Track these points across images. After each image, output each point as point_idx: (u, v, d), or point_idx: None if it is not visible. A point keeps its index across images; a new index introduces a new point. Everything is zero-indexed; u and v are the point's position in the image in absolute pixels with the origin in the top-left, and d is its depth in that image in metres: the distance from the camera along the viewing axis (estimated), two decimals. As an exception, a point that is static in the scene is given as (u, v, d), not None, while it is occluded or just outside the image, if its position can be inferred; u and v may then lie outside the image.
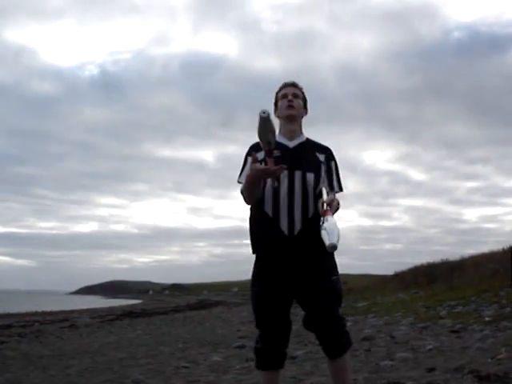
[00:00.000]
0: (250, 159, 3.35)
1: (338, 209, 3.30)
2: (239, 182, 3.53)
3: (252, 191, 3.36)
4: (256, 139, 3.31)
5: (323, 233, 2.93)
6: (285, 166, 3.20)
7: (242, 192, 3.44)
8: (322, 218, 3.04)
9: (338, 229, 2.94)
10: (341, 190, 3.53)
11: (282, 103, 3.52)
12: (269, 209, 3.36)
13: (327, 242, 2.88)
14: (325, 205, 3.10)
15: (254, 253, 3.49)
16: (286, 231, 3.32)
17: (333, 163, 3.52)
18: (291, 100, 3.49)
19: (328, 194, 3.26)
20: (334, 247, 2.89)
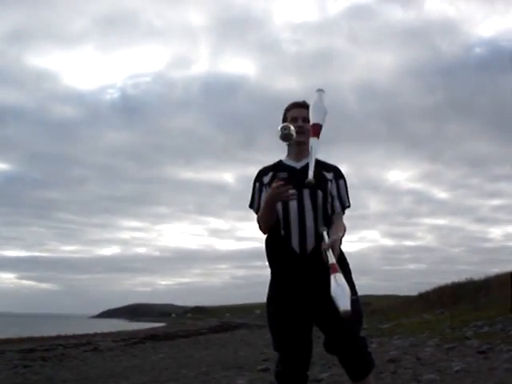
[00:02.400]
0: (257, 185, 3.51)
1: (343, 234, 3.32)
2: (251, 208, 3.57)
3: (268, 216, 3.37)
4: (265, 163, 3.40)
5: (334, 296, 2.87)
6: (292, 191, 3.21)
7: (258, 221, 3.46)
8: (331, 276, 2.94)
9: (347, 289, 2.88)
10: (349, 206, 3.50)
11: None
12: (280, 228, 3.35)
13: (341, 307, 2.81)
14: (329, 256, 3.04)
15: (271, 273, 3.47)
16: (297, 249, 3.29)
17: (341, 181, 3.50)
18: (301, 126, 3.46)
19: (329, 236, 3.20)
20: (348, 313, 2.81)
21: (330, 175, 3.47)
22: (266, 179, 3.48)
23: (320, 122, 3.32)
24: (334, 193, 3.44)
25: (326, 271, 3.23)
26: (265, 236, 3.49)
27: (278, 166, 3.53)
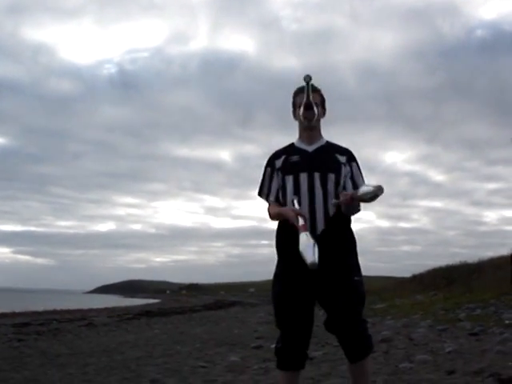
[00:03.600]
0: (269, 171, 3.54)
1: (358, 206, 3.33)
2: (259, 195, 3.59)
3: (280, 219, 3.44)
4: (275, 147, 3.41)
5: (301, 250, 3.04)
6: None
7: (269, 212, 3.51)
8: (300, 234, 3.13)
9: (314, 243, 3.04)
10: None
11: (301, 113, 3.48)
12: None
13: (308, 260, 2.98)
14: (300, 219, 3.19)
15: (278, 253, 3.49)
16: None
17: (354, 164, 3.51)
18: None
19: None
20: (315, 265, 2.97)
21: (343, 158, 3.47)
22: (279, 163, 3.50)
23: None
24: (348, 176, 3.45)
25: (334, 252, 3.27)
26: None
27: (289, 150, 3.53)
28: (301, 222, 3.16)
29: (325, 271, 3.24)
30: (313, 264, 2.95)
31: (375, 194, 3.12)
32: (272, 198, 3.51)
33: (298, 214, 3.22)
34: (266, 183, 3.56)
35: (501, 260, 24.84)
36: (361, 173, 3.52)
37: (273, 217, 3.48)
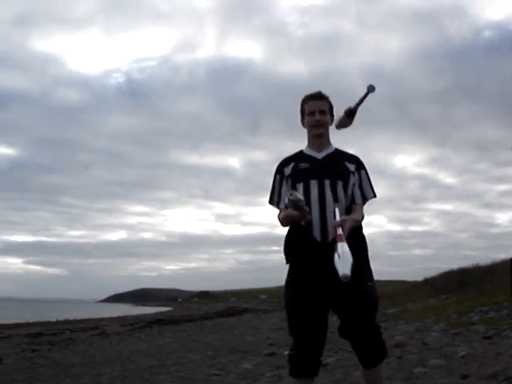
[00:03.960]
0: (278, 178, 3.58)
1: (361, 220, 3.39)
2: (270, 203, 3.61)
3: (289, 224, 3.46)
4: (284, 153, 3.45)
5: (336, 261, 2.99)
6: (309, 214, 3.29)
7: (279, 219, 3.50)
8: (335, 245, 3.07)
9: (350, 256, 3.00)
10: (374, 195, 3.54)
11: (310, 121, 3.51)
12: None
13: (340, 272, 2.94)
14: (338, 229, 3.14)
15: (287, 263, 3.48)
16: (318, 238, 3.32)
17: (363, 172, 3.53)
18: (319, 120, 3.49)
19: (340, 215, 3.28)
20: (347, 278, 2.94)
21: (352, 167, 3.50)
22: (288, 171, 3.52)
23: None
24: (356, 184, 3.47)
25: None
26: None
27: (299, 157, 3.55)
28: (339, 231, 3.13)
29: (338, 278, 3.24)
30: (345, 277, 2.94)
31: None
32: (282, 205, 3.50)
33: (298, 208, 3.23)
34: (276, 191, 3.57)
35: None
36: (369, 180, 3.54)
37: (282, 222, 3.47)
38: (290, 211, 3.27)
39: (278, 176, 3.57)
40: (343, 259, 2.98)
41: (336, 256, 3.00)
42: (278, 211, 3.55)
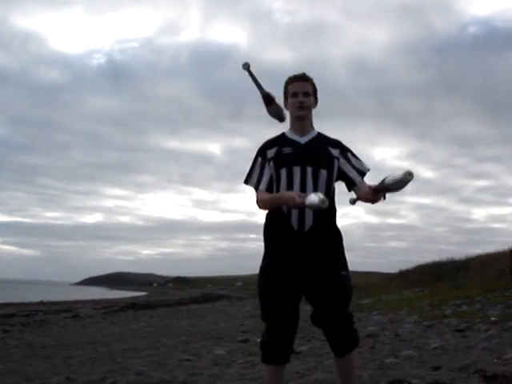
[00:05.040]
0: (260, 160, 3.48)
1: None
2: (246, 183, 3.53)
3: (273, 208, 3.40)
4: (261, 134, 3.39)
5: (309, 202, 3.06)
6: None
7: (258, 203, 3.45)
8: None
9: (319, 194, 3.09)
10: (368, 169, 3.50)
11: (293, 102, 3.44)
12: (284, 206, 3.33)
13: (315, 202, 3.02)
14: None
15: (266, 247, 3.45)
16: (295, 227, 3.29)
17: (349, 154, 3.49)
18: (302, 101, 3.42)
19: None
20: (325, 201, 3.01)
21: (335, 152, 3.45)
22: (271, 153, 3.45)
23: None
24: (347, 168, 3.43)
25: (321, 248, 3.27)
26: (265, 211, 3.49)
27: (281, 140, 3.49)
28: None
29: (312, 266, 3.24)
30: (323, 200, 2.99)
31: (406, 181, 2.97)
32: (263, 186, 3.44)
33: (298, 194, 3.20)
34: (257, 172, 3.49)
35: (488, 257, 24.95)
36: (357, 158, 3.49)
37: (266, 204, 3.41)
38: (289, 193, 3.23)
39: (259, 158, 3.49)
40: (314, 195, 3.06)
41: (310, 198, 3.06)
42: (256, 192, 3.48)
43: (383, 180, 3.04)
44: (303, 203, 3.09)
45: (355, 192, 3.40)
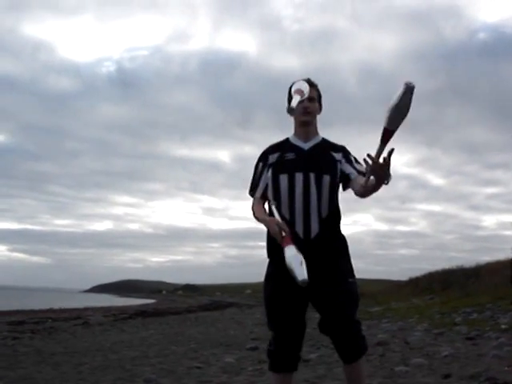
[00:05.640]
0: (260, 166, 3.44)
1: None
2: (251, 195, 3.52)
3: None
4: (270, 141, 3.37)
5: (289, 267, 2.92)
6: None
7: (253, 211, 3.44)
8: (283, 249, 3.01)
9: (301, 258, 2.93)
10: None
11: (297, 107, 3.41)
12: (286, 212, 3.32)
13: (298, 277, 2.86)
14: (283, 232, 3.08)
15: (268, 256, 3.44)
16: (301, 234, 3.28)
17: (351, 156, 3.46)
18: (307, 106, 3.40)
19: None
20: (305, 282, 2.87)
21: (338, 156, 3.43)
22: (272, 159, 3.43)
23: (394, 127, 2.86)
24: (346, 167, 3.41)
25: (328, 255, 3.26)
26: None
27: (285, 146, 3.47)
28: (284, 233, 3.07)
29: (319, 273, 3.21)
30: (303, 282, 2.86)
31: (406, 92, 2.68)
32: (258, 194, 3.44)
33: (281, 228, 3.12)
34: (256, 180, 3.48)
35: (498, 265, 24.83)
36: (359, 162, 3.42)
37: (256, 217, 3.40)
38: (271, 226, 3.17)
39: (260, 164, 3.48)
40: (295, 263, 2.90)
41: (287, 261, 2.93)
42: (252, 201, 3.48)
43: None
44: (283, 248, 3.02)
45: (351, 188, 3.36)
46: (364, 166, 3.22)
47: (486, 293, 18.54)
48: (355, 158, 3.47)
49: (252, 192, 3.52)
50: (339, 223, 3.41)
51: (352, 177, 3.37)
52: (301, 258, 2.93)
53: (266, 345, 3.54)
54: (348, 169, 3.40)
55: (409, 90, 2.69)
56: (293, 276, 2.89)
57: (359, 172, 3.37)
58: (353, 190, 3.36)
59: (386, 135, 2.86)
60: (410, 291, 29.70)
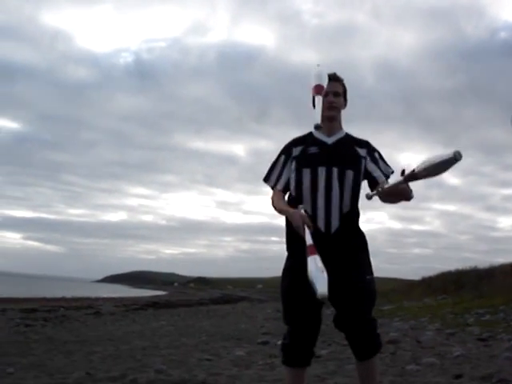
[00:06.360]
0: (283, 158, 3.41)
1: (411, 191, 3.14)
2: (266, 181, 3.49)
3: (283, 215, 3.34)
4: (286, 136, 3.34)
5: (310, 277, 2.86)
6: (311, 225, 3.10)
7: (273, 204, 3.40)
8: (307, 259, 2.94)
9: (324, 271, 2.86)
10: (392, 171, 3.40)
11: (323, 102, 3.39)
12: (307, 206, 3.28)
13: (318, 290, 2.80)
14: (308, 238, 3.01)
15: (288, 249, 3.42)
16: (322, 228, 3.25)
17: (376, 153, 3.43)
18: (332, 101, 3.38)
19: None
20: (325, 297, 2.80)
21: (363, 151, 3.40)
22: (296, 152, 3.40)
23: (421, 177, 2.89)
24: (372, 168, 3.38)
25: (347, 250, 3.25)
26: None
27: (308, 140, 3.43)
28: (309, 241, 3.01)
29: (338, 268, 3.19)
30: (322, 295, 2.79)
31: (451, 160, 2.70)
32: (280, 187, 3.40)
33: (304, 221, 3.09)
34: (277, 170, 3.44)
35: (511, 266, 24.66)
36: (384, 159, 3.43)
37: (276, 209, 3.36)
38: (295, 218, 3.13)
39: (283, 156, 3.44)
40: (318, 275, 2.85)
41: (309, 273, 2.87)
42: (272, 191, 3.45)
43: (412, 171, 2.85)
44: (307, 257, 2.95)
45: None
46: (387, 164, 3.25)
47: (500, 294, 18.41)
48: (380, 155, 3.44)
49: (269, 181, 3.47)
50: (359, 219, 3.38)
51: (380, 180, 3.32)
52: (323, 270, 2.87)
53: (280, 339, 3.51)
54: (374, 170, 3.38)
55: (453, 160, 2.71)
56: (313, 288, 2.83)
57: (385, 175, 3.36)
58: (382, 191, 3.30)
59: (410, 178, 2.91)
60: (422, 291, 29.55)
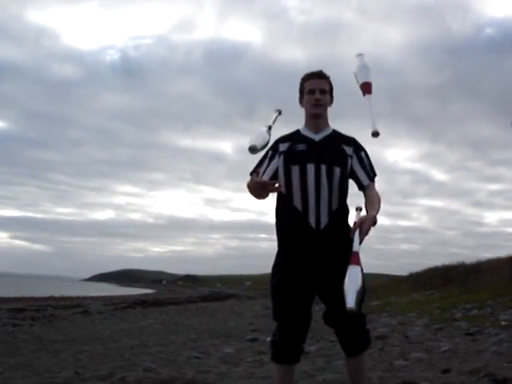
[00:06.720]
0: (270, 153, 3.41)
1: (377, 211, 3.24)
2: (251, 175, 3.46)
3: (255, 197, 3.29)
4: (274, 134, 3.34)
5: (346, 286, 2.88)
6: (278, 185, 3.18)
7: (248, 187, 3.30)
8: (348, 266, 2.97)
9: (359, 283, 2.89)
10: (375, 175, 3.44)
11: (309, 99, 3.39)
12: (298, 203, 3.29)
13: (348, 304, 2.83)
14: (355, 239, 3.06)
15: (278, 246, 3.42)
16: (313, 225, 3.26)
17: (363, 153, 3.44)
18: (319, 99, 3.38)
19: (360, 214, 3.24)
20: (353, 311, 2.84)
21: (349, 150, 3.40)
22: (283, 147, 3.40)
23: (370, 80, 3.47)
24: (357, 167, 3.39)
25: (336, 247, 3.25)
26: (275, 208, 3.43)
27: (295, 137, 3.44)
28: (355, 247, 3.04)
29: (327, 264, 3.21)
30: (351, 310, 2.83)
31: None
32: (266, 177, 3.33)
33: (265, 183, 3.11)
34: (264, 164, 3.41)
35: (498, 262, 24.83)
36: (370, 160, 3.45)
37: (249, 188, 3.25)
38: (252, 183, 3.15)
39: (270, 151, 3.43)
40: (353, 288, 2.87)
41: (346, 283, 2.90)
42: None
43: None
44: (348, 265, 3.00)
45: (364, 196, 3.37)
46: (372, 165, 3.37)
47: (487, 289, 18.53)
48: (366, 154, 3.46)
49: (254, 173, 3.41)
50: (348, 216, 3.39)
51: (364, 184, 3.36)
52: (360, 285, 2.89)
53: (269, 336, 3.52)
54: (360, 172, 3.39)
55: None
56: (345, 298, 2.86)
57: (368, 175, 3.39)
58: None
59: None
60: (410, 286, 29.70)
